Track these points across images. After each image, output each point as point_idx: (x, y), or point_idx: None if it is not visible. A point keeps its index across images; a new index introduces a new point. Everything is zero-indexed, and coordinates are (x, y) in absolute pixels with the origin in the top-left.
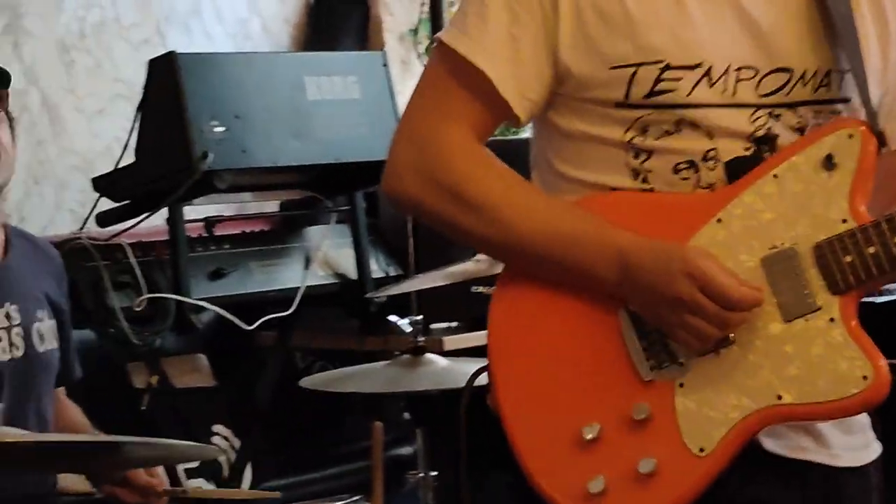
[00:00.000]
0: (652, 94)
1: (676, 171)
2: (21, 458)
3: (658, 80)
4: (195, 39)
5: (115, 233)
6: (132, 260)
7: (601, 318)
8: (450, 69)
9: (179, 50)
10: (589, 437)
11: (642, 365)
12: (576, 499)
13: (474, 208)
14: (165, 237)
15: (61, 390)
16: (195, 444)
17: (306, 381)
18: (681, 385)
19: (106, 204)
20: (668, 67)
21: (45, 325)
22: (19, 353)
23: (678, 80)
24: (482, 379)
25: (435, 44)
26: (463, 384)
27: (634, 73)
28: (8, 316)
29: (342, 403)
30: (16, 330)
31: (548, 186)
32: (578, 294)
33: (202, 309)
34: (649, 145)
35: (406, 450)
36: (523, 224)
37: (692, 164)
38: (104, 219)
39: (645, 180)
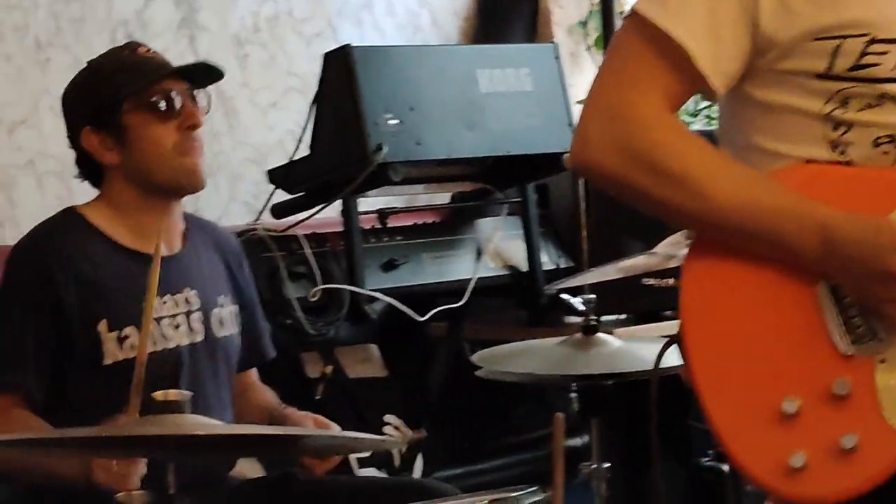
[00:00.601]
0: (856, 67)
1: (877, 144)
2: (207, 447)
3: (863, 54)
4: (366, 33)
5: (290, 224)
6: (307, 251)
7: (798, 290)
8: (645, 41)
9: (350, 43)
10: (790, 411)
11: (842, 339)
12: (776, 474)
13: (672, 179)
14: (339, 228)
15: (253, 371)
16: (376, 437)
17: (477, 357)
18: (882, 361)
19: (280, 196)
20: (873, 41)
21: (226, 311)
22: (199, 337)
23: (884, 53)
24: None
25: (629, 15)
26: (637, 368)
27: (839, 46)
28: (188, 301)
29: (512, 395)
30: (195, 315)
31: (739, 159)
32: (775, 266)
33: (375, 299)
34: (850, 118)
35: (574, 441)
36: (722, 195)
37: (893, 139)
38: (279, 210)
39: (843, 153)
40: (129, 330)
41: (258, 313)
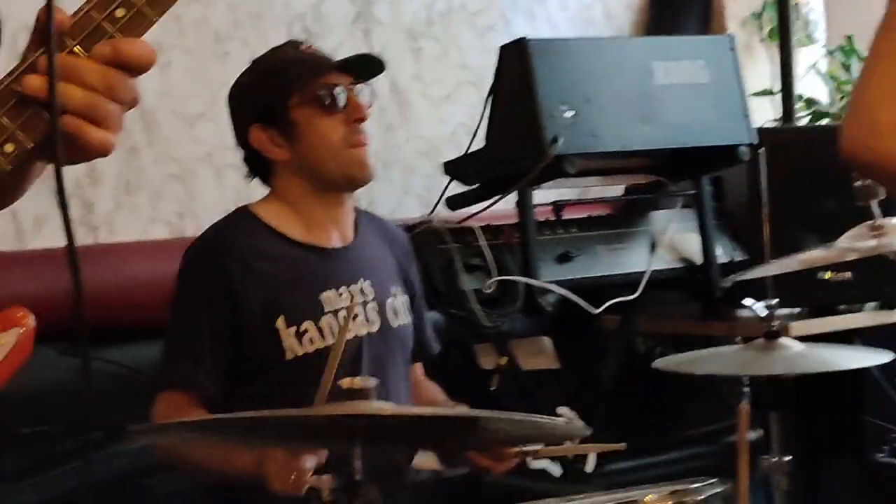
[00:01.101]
0: None
1: None
2: (393, 432)
3: None
4: (538, 26)
5: (465, 216)
6: (483, 243)
7: None
8: None
9: (525, 36)
10: None
11: None
12: None
13: None
14: (514, 220)
15: (419, 366)
16: (563, 421)
17: (660, 363)
18: None
19: (455, 188)
20: None
21: (399, 301)
22: (375, 327)
23: None
24: (834, 365)
25: None
26: (818, 370)
27: None
28: (363, 291)
29: (683, 388)
30: (371, 305)
31: None
32: None
33: (549, 291)
34: None
35: (749, 435)
36: None
37: None
38: (454, 202)
39: None
40: (307, 325)
41: (424, 308)
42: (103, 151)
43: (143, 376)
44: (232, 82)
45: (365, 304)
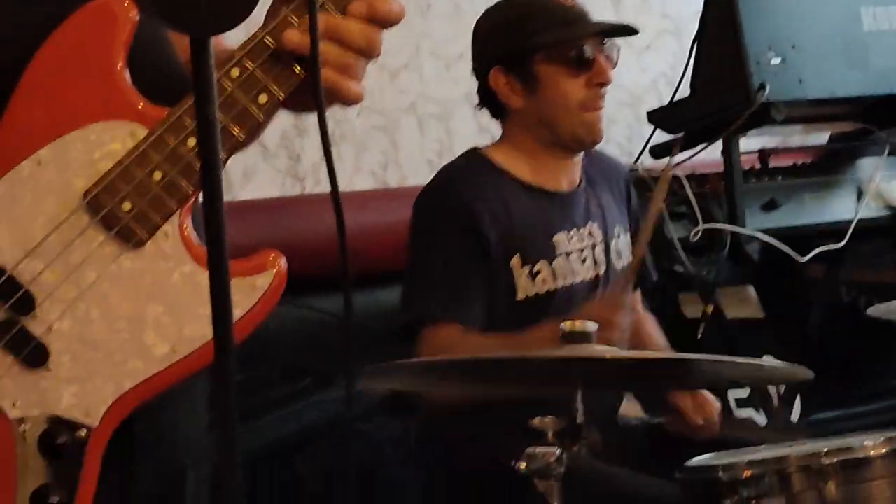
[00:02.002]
0: None
1: None
2: (614, 374)
3: None
4: None
5: (672, 164)
6: (688, 191)
7: None
8: None
9: None
10: None
11: None
12: None
13: None
14: (719, 169)
15: (637, 300)
16: (787, 365)
17: (874, 311)
18: None
19: (659, 137)
20: None
21: (622, 241)
22: (602, 270)
23: None
24: None
25: None
26: None
27: None
28: (591, 234)
29: (890, 337)
30: (598, 248)
31: None
32: None
33: (755, 239)
34: None
35: None
36: None
37: None
38: (659, 151)
39: None
40: (540, 265)
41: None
42: (355, 101)
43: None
44: (434, 34)
45: (593, 246)
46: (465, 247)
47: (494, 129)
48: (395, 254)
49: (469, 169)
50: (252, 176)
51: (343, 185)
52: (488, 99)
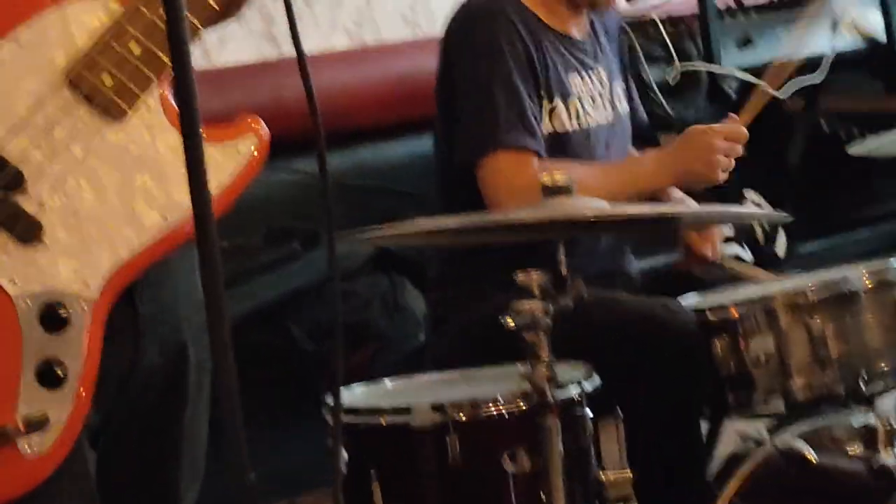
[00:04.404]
0: None
1: None
2: (594, 229)
3: None
4: None
5: (646, 8)
6: (664, 33)
7: None
8: None
9: None
10: None
11: None
12: None
13: None
14: (693, 10)
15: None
16: (766, 209)
17: (857, 149)
18: None
19: None
20: None
21: (620, 88)
22: (610, 115)
23: None
24: None
25: None
26: None
27: None
28: (599, 80)
29: (870, 166)
30: (605, 93)
31: None
32: None
33: (732, 77)
34: None
35: None
36: None
37: None
38: None
39: None
40: (556, 102)
41: (632, 86)
42: None
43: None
44: None
45: (601, 93)
46: (522, 66)
47: None
48: (376, 111)
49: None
50: (227, 42)
51: (319, 45)
52: None
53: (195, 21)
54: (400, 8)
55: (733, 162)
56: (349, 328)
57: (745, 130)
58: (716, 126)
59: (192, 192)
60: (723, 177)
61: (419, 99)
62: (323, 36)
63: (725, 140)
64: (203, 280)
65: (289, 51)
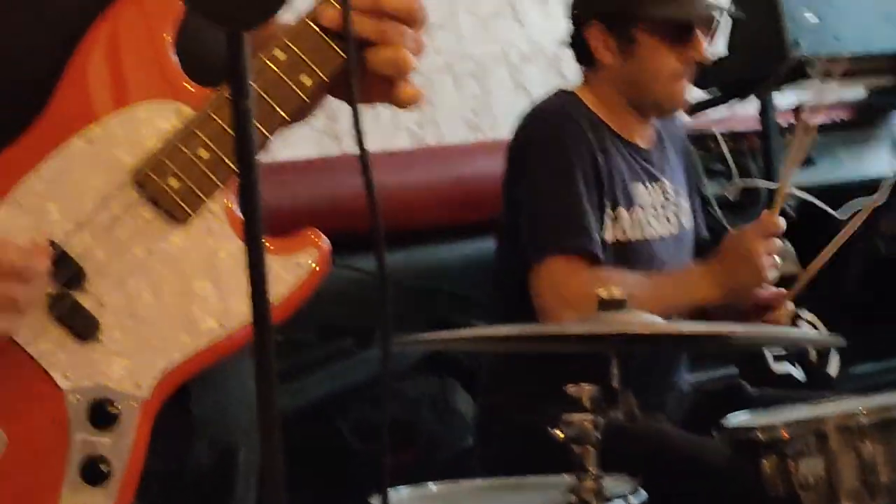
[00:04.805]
0: None
1: None
2: (643, 343)
3: None
4: None
5: (707, 122)
6: (724, 148)
7: None
8: None
9: None
10: None
11: None
12: None
13: None
14: (755, 126)
15: None
16: (820, 332)
17: None
18: None
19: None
20: None
21: (686, 203)
22: (673, 229)
23: None
24: None
25: None
26: None
27: None
28: (664, 191)
29: None
30: (669, 206)
31: None
32: None
33: (791, 195)
34: None
35: None
36: None
37: None
38: (695, 108)
39: None
40: (620, 211)
41: (697, 201)
42: (411, 99)
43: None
44: None
45: (665, 204)
46: (587, 174)
47: (531, 87)
48: (434, 212)
49: (571, 104)
50: (290, 136)
51: (381, 144)
52: (578, 46)
53: (264, 131)
54: (462, 111)
55: (777, 258)
56: (398, 428)
57: (779, 221)
58: (749, 228)
59: (252, 304)
60: (771, 276)
61: (477, 202)
62: (385, 135)
63: (763, 238)
64: (258, 391)
65: (350, 148)
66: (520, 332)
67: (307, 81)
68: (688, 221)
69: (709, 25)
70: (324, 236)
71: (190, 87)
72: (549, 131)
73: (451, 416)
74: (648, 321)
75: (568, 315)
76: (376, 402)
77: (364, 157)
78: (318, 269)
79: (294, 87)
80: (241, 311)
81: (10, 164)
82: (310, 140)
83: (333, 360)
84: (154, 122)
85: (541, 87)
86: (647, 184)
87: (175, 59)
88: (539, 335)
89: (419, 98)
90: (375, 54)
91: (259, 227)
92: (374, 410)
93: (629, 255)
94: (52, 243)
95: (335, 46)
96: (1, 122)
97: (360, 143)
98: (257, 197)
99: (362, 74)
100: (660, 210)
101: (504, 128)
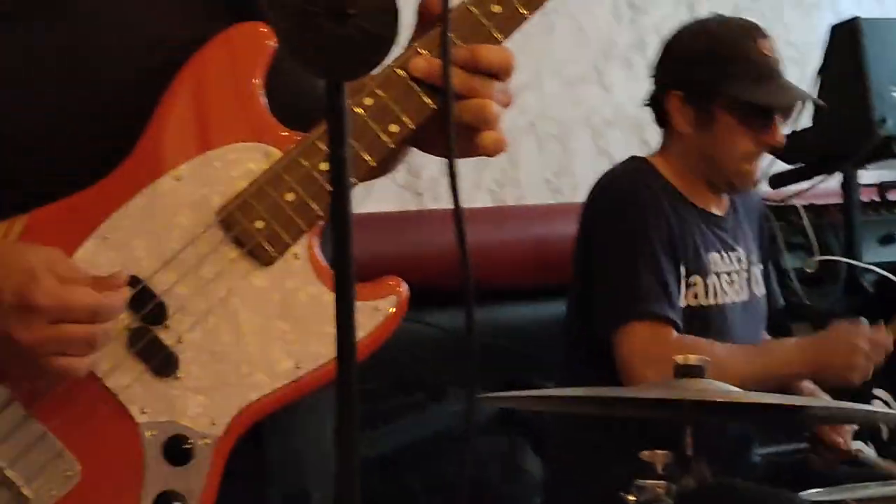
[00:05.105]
0: None
1: None
2: (719, 412)
3: None
4: (865, 4)
5: (789, 195)
6: (806, 222)
7: None
8: None
9: (855, 14)
10: None
11: None
12: None
13: None
14: (837, 200)
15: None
16: (882, 410)
17: None
18: None
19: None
20: None
21: (759, 271)
22: (745, 296)
23: None
24: None
25: None
26: None
27: None
28: (738, 259)
29: None
30: (743, 273)
31: None
32: None
33: (871, 272)
34: None
35: None
36: None
37: None
38: (778, 180)
39: None
40: (695, 279)
41: (770, 269)
42: (496, 151)
43: (461, 338)
44: (556, 54)
45: (738, 272)
46: (664, 240)
47: (614, 151)
48: (509, 271)
49: (645, 172)
50: (372, 189)
51: (463, 201)
52: (657, 109)
53: (352, 178)
54: (543, 173)
55: (872, 370)
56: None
57: (891, 343)
58: (865, 328)
59: (338, 347)
60: (858, 381)
61: (553, 264)
62: (466, 194)
63: (873, 344)
64: (339, 432)
65: (430, 203)
66: (599, 395)
67: (394, 129)
68: (759, 289)
69: (789, 112)
70: (404, 283)
71: (279, 130)
72: (626, 198)
73: (520, 475)
74: (725, 390)
75: (655, 378)
76: (445, 457)
77: (458, 211)
78: (395, 314)
79: (381, 134)
80: (318, 353)
81: (100, 200)
82: (392, 194)
83: (404, 413)
84: (243, 163)
85: (623, 151)
86: (722, 252)
87: (264, 101)
88: (616, 398)
89: (504, 145)
90: (464, 106)
91: (350, 273)
92: (443, 466)
93: (703, 320)
94: (136, 279)
95: (426, 96)
96: (90, 154)
97: (455, 195)
98: (349, 244)
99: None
100: (734, 277)
101: (584, 191)
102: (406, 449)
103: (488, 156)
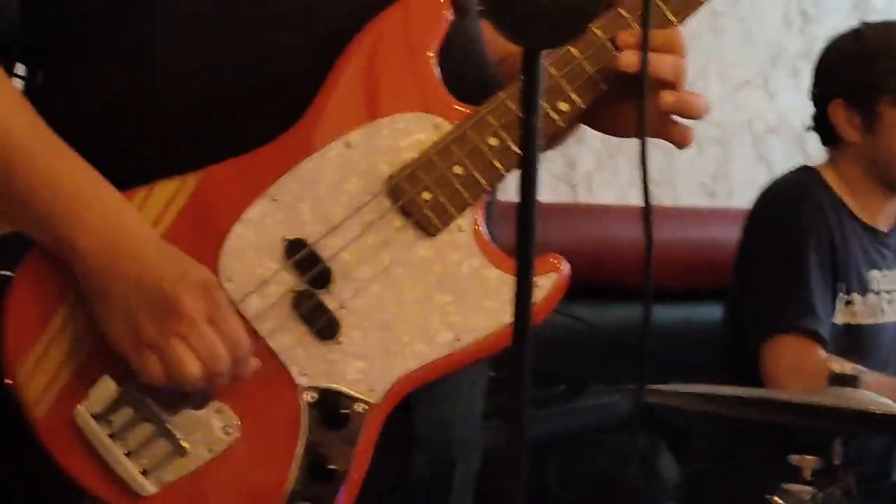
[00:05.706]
0: None
1: None
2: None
3: None
4: None
5: None
6: None
7: None
8: None
9: None
10: None
11: None
12: None
13: None
14: None
15: None
16: None
17: None
18: None
19: None
20: None
21: None
22: (893, 318)
23: None
24: None
25: None
26: None
27: None
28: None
29: None
30: (888, 297)
31: None
32: None
33: None
34: None
35: None
36: None
37: None
38: None
39: None
40: (854, 296)
41: None
42: (683, 143)
43: (604, 334)
44: (724, 56)
45: (880, 293)
46: (823, 256)
47: (773, 159)
48: (658, 271)
49: (815, 184)
50: None
51: (614, 197)
52: (822, 126)
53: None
54: (700, 175)
55: None
56: (601, 484)
57: None
58: None
59: (514, 329)
60: None
61: (705, 267)
62: (620, 189)
63: None
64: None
65: (583, 196)
66: (758, 396)
67: (564, 107)
68: None
69: None
70: (565, 261)
71: (451, 102)
72: (789, 208)
73: (653, 477)
74: (879, 401)
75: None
76: (582, 451)
77: (647, 207)
78: (555, 292)
79: (551, 112)
80: (477, 326)
81: (271, 161)
82: (546, 185)
83: (545, 405)
84: (413, 134)
85: (782, 160)
86: (884, 270)
87: (438, 73)
88: (772, 401)
89: (691, 139)
90: (666, 94)
91: (532, 240)
92: (579, 460)
93: (857, 338)
94: (302, 242)
95: (600, 83)
96: (261, 119)
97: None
98: (533, 218)
99: (621, 102)
100: (894, 296)
101: (740, 197)
102: (543, 441)
103: (678, 146)
